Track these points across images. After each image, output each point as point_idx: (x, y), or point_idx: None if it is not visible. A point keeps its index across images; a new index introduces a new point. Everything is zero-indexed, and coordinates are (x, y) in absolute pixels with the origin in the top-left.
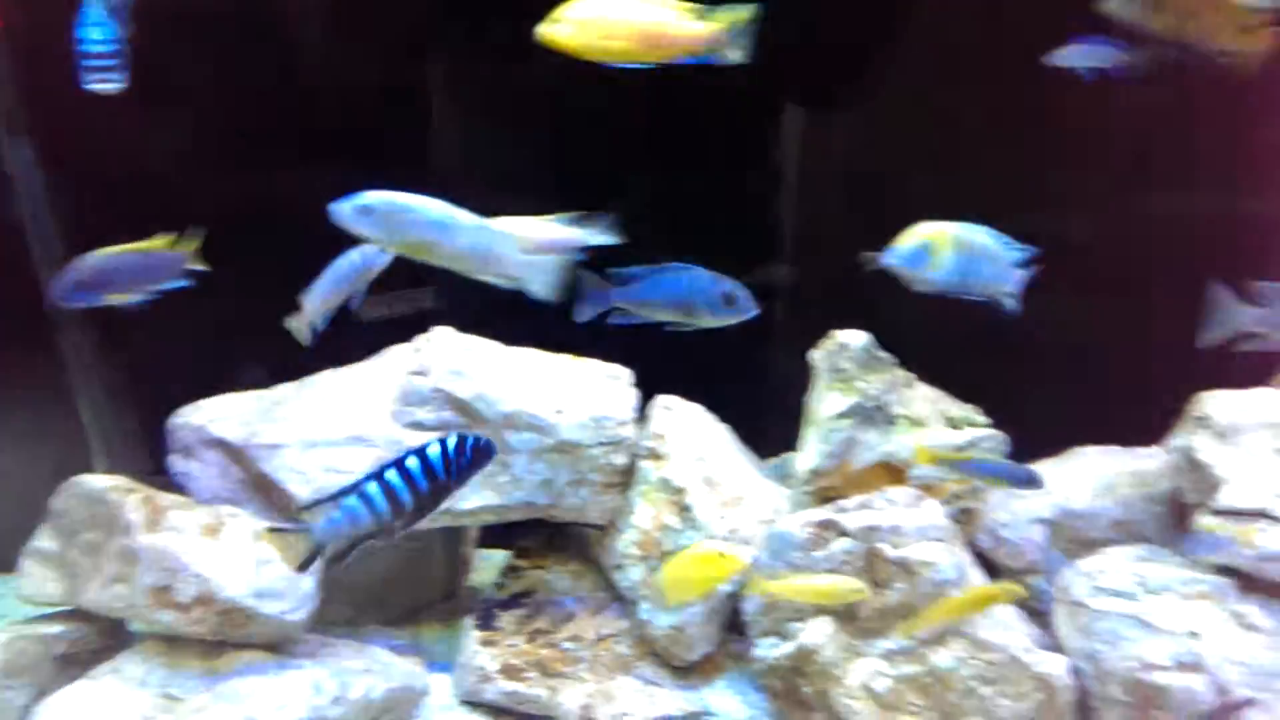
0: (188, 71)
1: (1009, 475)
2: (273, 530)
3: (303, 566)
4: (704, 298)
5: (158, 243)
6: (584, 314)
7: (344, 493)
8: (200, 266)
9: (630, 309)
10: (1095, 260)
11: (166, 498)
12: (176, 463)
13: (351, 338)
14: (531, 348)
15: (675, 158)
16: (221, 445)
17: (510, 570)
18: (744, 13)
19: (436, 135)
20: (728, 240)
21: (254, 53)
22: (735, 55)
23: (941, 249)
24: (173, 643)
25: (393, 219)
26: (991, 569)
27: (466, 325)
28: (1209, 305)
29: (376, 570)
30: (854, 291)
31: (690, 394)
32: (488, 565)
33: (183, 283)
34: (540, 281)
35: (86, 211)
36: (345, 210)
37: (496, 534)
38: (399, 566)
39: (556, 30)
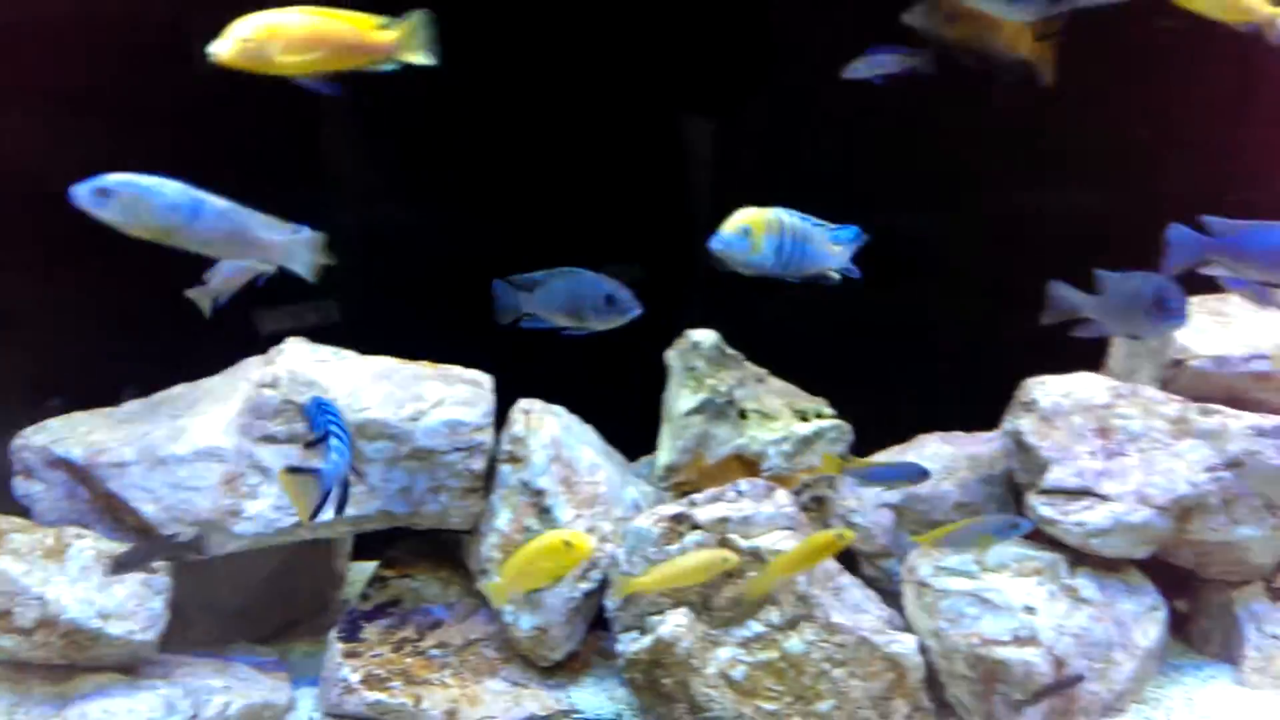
0: None
1: (902, 474)
2: (290, 471)
3: (314, 514)
4: (589, 301)
5: None
6: (502, 319)
7: (322, 438)
8: None
9: (539, 314)
10: (941, 256)
11: (6, 521)
12: (20, 485)
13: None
14: (417, 357)
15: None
16: (66, 465)
17: (376, 581)
18: (424, 17)
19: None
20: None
21: None
22: (421, 59)
23: (759, 232)
24: (19, 668)
25: (133, 202)
26: (847, 554)
27: (368, 337)
28: (1047, 297)
29: (244, 588)
30: (713, 291)
31: (572, 397)
32: (361, 578)
33: None
34: (299, 261)
35: None
36: (83, 193)
37: (372, 546)
38: (266, 583)
39: (226, 48)
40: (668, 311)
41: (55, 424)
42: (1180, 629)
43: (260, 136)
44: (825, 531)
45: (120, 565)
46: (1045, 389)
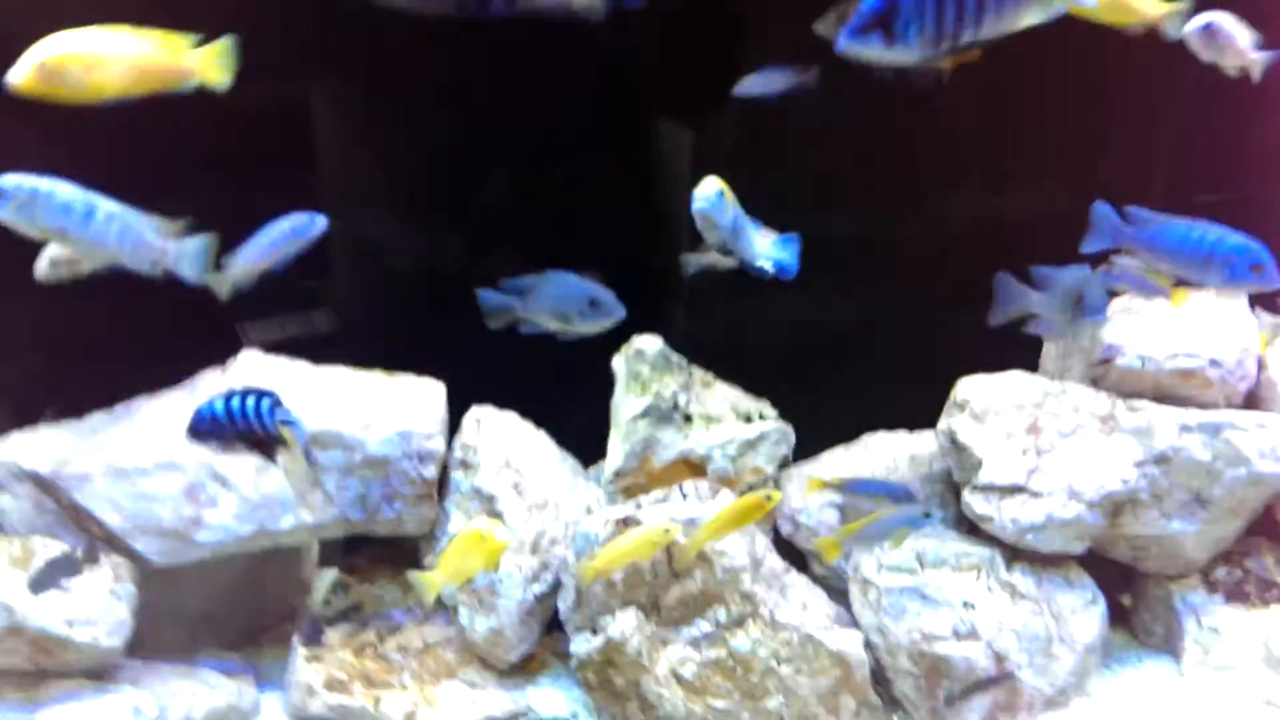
0: None
1: (888, 492)
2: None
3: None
4: (573, 304)
5: None
6: (492, 324)
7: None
8: None
9: (526, 318)
10: (883, 258)
11: None
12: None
13: None
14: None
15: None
16: (32, 478)
17: (338, 587)
18: (229, 43)
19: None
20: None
21: None
22: (221, 80)
23: (729, 195)
24: None
25: (28, 203)
26: (795, 553)
27: (360, 348)
28: (996, 291)
29: (211, 594)
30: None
31: (528, 404)
32: (326, 585)
33: None
34: (188, 264)
35: None
36: None
37: (338, 554)
38: (233, 590)
39: (23, 74)
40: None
41: (21, 437)
42: (1124, 622)
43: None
44: (754, 493)
45: (36, 584)
46: (977, 388)
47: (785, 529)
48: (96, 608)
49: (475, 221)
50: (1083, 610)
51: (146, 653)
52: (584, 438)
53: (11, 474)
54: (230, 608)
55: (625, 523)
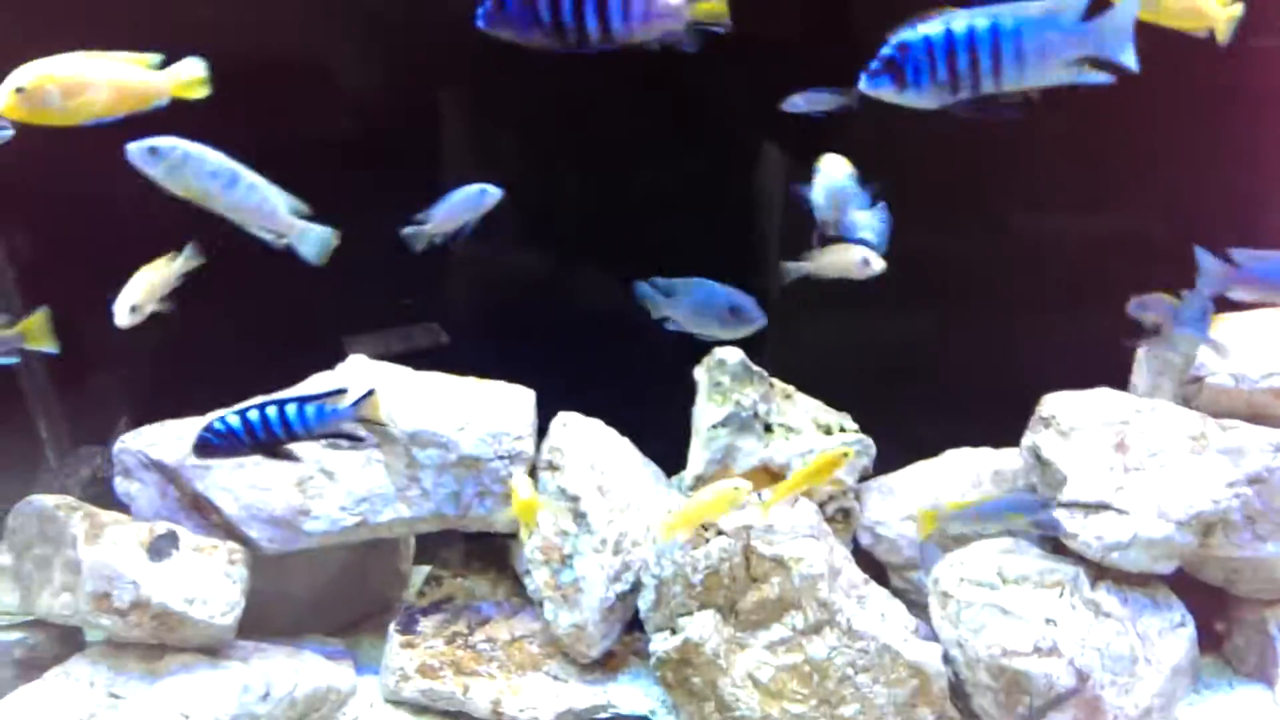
0: None
1: (1019, 508)
2: None
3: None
4: (714, 310)
5: None
6: (657, 316)
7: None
8: (49, 348)
9: (671, 318)
10: (966, 276)
11: (107, 515)
12: (120, 484)
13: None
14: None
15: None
16: (159, 467)
17: (432, 579)
18: (195, 59)
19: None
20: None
21: None
22: (198, 95)
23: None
24: (118, 647)
25: (179, 164)
26: (875, 565)
27: (465, 363)
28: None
29: (317, 583)
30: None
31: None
32: (422, 579)
33: (10, 360)
34: (308, 246)
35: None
36: (136, 150)
37: (432, 550)
38: (337, 580)
39: (3, 100)
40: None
41: (150, 430)
42: (1216, 647)
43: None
44: (834, 449)
45: (154, 552)
46: (1064, 404)
47: (865, 540)
48: (212, 588)
49: (566, 235)
50: (1170, 632)
51: (256, 635)
52: (665, 447)
53: (141, 463)
54: (334, 597)
55: (704, 526)
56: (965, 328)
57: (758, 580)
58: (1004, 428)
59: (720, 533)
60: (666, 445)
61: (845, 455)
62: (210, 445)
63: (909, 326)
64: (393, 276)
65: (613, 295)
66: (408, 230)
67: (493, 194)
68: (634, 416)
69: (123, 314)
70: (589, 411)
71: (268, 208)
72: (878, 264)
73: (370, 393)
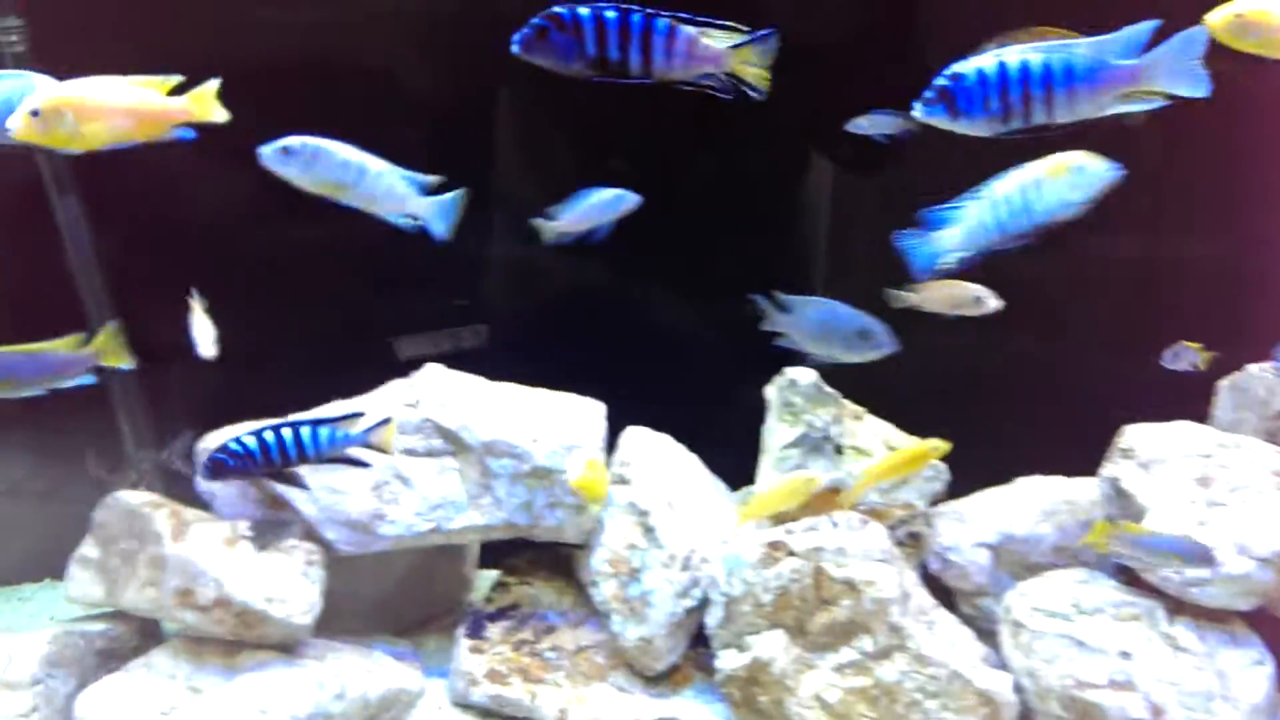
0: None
1: (1179, 550)
2: None
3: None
4: (839, 332)
5: (60, 344)
6: (772, 328)
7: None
8: (123, 364)
9: (789, 335)
10: (1038, 301)
11: (191, 513)
12: (202, 483)
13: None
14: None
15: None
16: None
17: (499, 585)
18: (213, 82)
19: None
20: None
21: None
22: (217, 119)
23: None
24: (198, 641)
25: (311, 161)
26: (943, 591)
27: (505, 365)
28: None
29: (386, 584)
30: None
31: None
32: (486, 583)
33: (87, 380)
34: (438, 218)
35: (132, 263)
36: (268, 153)
37: (496, 555)
38: (405, 582)
39: (18, 122)
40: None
41: (230, 431)
42: None
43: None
44: (920, 442)
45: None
46: (1144, 437)
47: (934, 566)
48: (291, 587)
49: (624, 247)
50: (1249, 669)
51: (326, 633)
52: (730, 464)
53: None
54: (402, 597)
55: (774, 546)
56: (1030, 351)
57: (828, 602)
58: (1070, 455)
59: (791, 553)
60: (724, 457)
61: (934, 450)
62: (225, 467)
63: (973, 348)
64: (467, 281)
65: (672, 305)
66: (537, 220)
67: (630, 200)
68: (691, 428)
69: (207, 346)
70: (644, 422)
71: (398, 192)
72: (992, 303)
73: (386, 421)
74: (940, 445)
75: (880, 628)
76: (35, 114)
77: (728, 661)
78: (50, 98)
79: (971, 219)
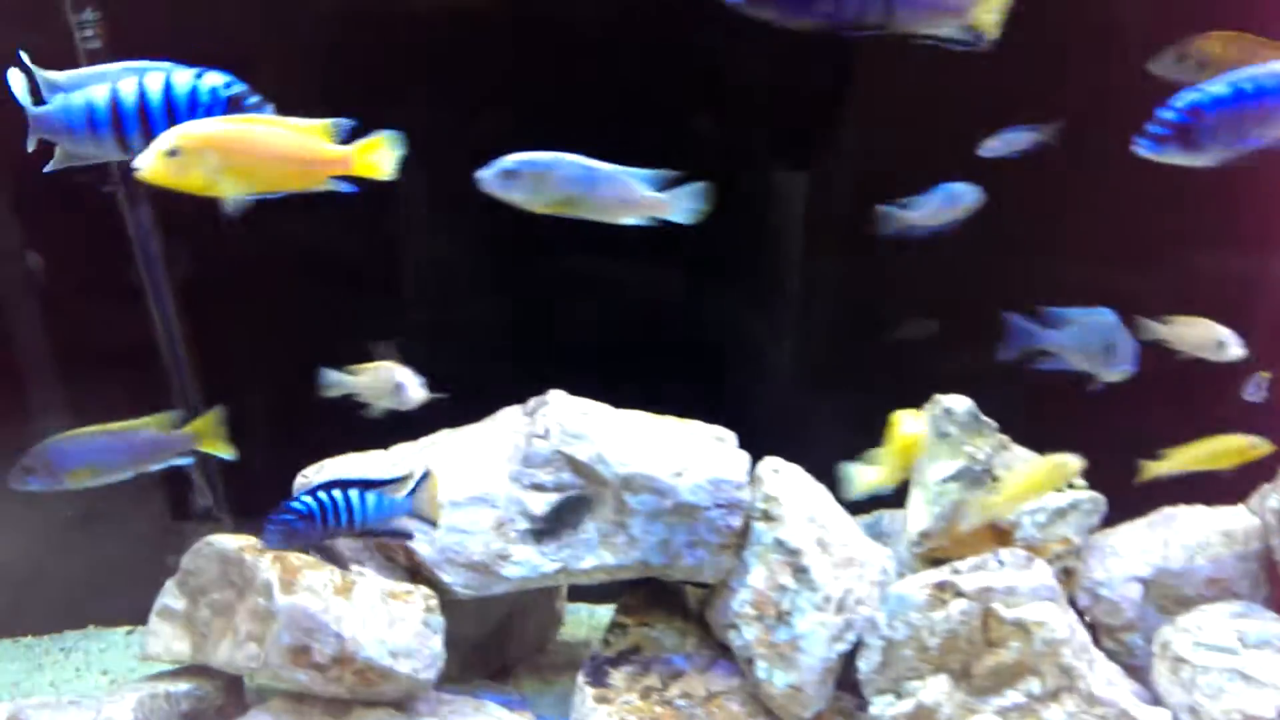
0: None
1: None
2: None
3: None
4: (1115, 344)
5: (151, 422)
6: (1008, 353)
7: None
8: (223, 453)
9: (1054, 351)
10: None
11: (296, 557)
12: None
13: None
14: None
15: None
16: None
17: (616, 627)
18: (390, 134)
19: None
20: None
21: None
22: (383, 175)
23: None
24: (301, 700)
25: (539, 178)
26: (1089, 626)
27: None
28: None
29: (486, 626)
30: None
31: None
32: (574, 620)
33: (184, 461)
34: (681, 210)
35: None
36: (489, 177)
37: (581, 588)
38: (504, 621)
39: (149, 162)
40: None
41: (332, 464)
42: None
43: None
44: (1061, 456)
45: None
46: None
47: (1083, 601)
48: (414, 639)
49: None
50: None
51: None
52: None
53: None
54: (498, 638)
55: (942, 588)
56: (1158, 376)
57: (994, 644)
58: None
59: (960, 594)
60: None
61: (1067, 468)
62: (295, 531)
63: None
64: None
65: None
66: (885, 209)
67: (976, 196)
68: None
69: (416, 392)
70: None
71: (633, 195)
72: (1235, 350)
73: (426, 476)
74: (1073, 463)
75: (1049, 669)
76: (174, 153)
77: (888, 709)
78: (195, 135)
79: None
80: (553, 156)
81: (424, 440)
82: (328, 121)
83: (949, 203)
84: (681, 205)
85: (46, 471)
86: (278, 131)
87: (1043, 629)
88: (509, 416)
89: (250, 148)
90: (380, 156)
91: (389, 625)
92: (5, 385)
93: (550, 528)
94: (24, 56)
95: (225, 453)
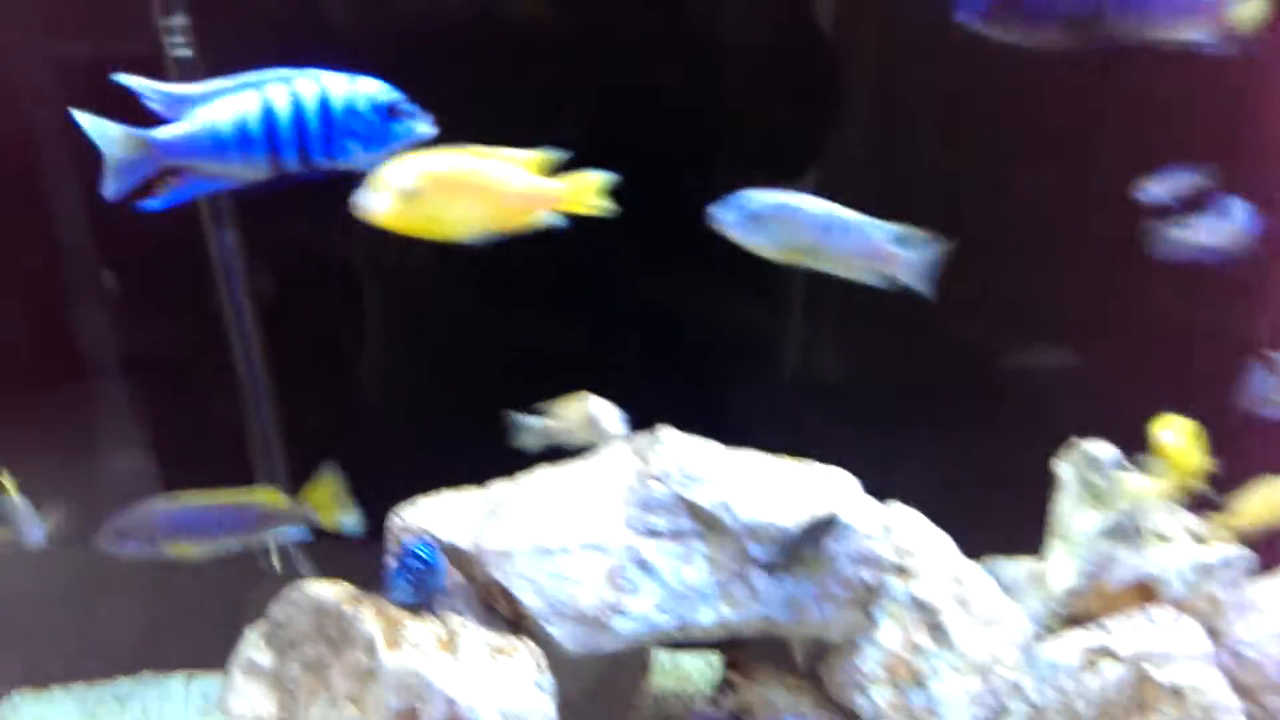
0: None
1: None
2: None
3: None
4: None
5: (261, 494)
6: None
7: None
8: (346, 525)
9: None
10: None
11: (395, 609)
12: (391, 563)
13: None
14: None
15: None
16: (450, 551)
17: (725, 685)
18: (605, 175)
19: None
20: None
21: None
22: (598, 211)
23: None
24: None
25: (784, 221)
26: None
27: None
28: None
29: (583, 684)
30: None
31: None
32: (660, 669)
33: (302, 536)
34: (915, 274)
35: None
36: (728, 217)
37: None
38: (600, 680)
39: (385, 203)
40: None
41: (427, 503)
42: None
43: None
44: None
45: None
46: None
47: (1222, 659)
48: (526, 701)
49: None
50: None
51: None
52: None
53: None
54: (593, 697)
55: (1096, 652)
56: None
57: (1146, 708)
58: None
59: (1113, 656)
60: None
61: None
62: (424, 584)
63: None
64: None
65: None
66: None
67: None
68: None
69: (614, 425)
70: None
71: (872, 246)
72: None
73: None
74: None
75: None
76: (412, 193)
77: None
78: (431, 174)
79: None
80: (798, 199)
81: (522, 479)
82: (541, 153)
83: (1223, 220)
84: (910, 270)
85: (145, 537)
86: (502, 166)
87: (1198, 694)
88: (616, 454)
89: (482, 186)
90: (591, 195)
91: (499, 686)
92: (76, 409)
93: (783, 563)
94: (127, 79)
95: (349, 523)
